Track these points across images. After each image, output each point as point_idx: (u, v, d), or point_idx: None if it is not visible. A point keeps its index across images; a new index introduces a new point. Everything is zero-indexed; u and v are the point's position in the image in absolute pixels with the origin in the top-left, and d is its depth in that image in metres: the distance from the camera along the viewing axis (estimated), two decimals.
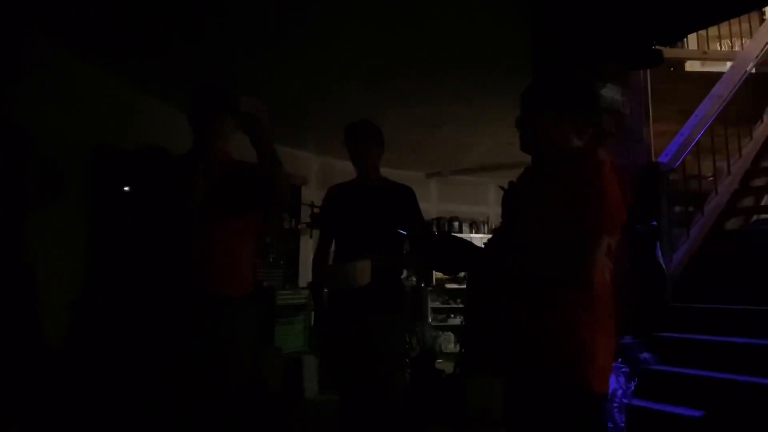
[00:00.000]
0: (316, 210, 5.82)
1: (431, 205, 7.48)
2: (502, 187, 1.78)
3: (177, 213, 2.09)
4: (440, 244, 1.70)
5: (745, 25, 5.45)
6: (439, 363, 5.22)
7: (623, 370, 2.98)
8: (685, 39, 5.20)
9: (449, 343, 6.50)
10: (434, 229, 7.19)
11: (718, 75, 4.81)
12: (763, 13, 5.38)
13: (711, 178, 4.47)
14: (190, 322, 2.04)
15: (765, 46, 4.82)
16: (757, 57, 4.77)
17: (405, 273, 5.69)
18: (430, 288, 7.29)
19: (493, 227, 1.86)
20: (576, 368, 1.44)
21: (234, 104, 2.05)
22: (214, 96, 2.19)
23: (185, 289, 2.07)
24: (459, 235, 7.51)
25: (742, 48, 5.21)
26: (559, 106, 1.58)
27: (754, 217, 4.62)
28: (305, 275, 5.85)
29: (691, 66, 5.73)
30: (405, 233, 2.38)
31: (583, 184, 1.45)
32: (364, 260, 2.44)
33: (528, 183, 1.68)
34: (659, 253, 3.51)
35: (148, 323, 2.11)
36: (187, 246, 2.08)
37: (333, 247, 2.77)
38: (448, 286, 7.43)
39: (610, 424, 2.76)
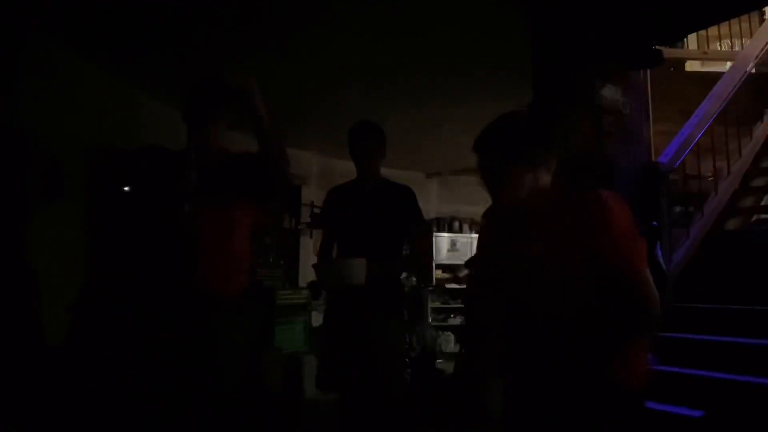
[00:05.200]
0: (316, 210, 5.82)
1: (431, 205, 7.46)
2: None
3: (172, 211, 2.07)
4: None
5: (745, 25, 5.45)
6: (439, 363, 5.22)
7: None
8: (685, 39, 5.20)
9: (449, 343, 6.49)
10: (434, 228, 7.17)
11: (718, 75, 4.81)
12: (763, 13, 5.38)
13: (711, 178, 4.47)
14: (184, 321, 2.04)
15: (765, 46, 4.81)
16: (757, 57, 4.77)
17: (405, 273, 5.69)
18: (430, 288, 7.28)
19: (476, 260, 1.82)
20: (613, 368, 1.44)
21: (225, 91, 2.01)
22: (206, 88, 2.16)
23: (179, 288, 2.05)
24: (460, 235, 7.55)
25: (742, 48, 5.22)
26: (512, 149, 1.52)
27: (754, 217, 4.63)
28: (305, 275, 5.85)
29: (691, 66, 5.73)
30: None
31: (618, 227, 1.43)
32: (360, 259, 2.43)
33: (525, 225, 1.60)
34: (659, 253, 3.50)
35: (145, 323, 2.11)
36: (181, 244, 2.07)
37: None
38: (449, 286, 7.42)
39: None
